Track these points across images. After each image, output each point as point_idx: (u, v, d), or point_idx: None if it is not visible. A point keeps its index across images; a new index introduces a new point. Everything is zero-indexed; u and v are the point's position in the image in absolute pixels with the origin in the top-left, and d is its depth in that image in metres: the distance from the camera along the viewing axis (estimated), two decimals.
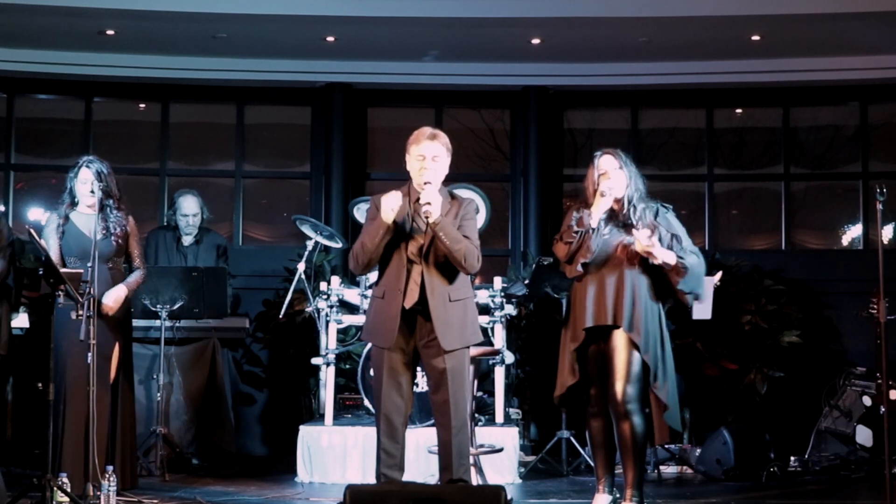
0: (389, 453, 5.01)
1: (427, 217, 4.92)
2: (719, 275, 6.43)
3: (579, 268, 5.31)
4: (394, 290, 5.00)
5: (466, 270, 5.05)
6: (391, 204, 4.93)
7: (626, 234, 5.34)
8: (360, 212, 7.46)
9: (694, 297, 5.41)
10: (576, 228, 5.31)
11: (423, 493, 4.49)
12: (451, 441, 4.98)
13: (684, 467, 7.50)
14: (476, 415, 6.15)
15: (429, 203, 4.91)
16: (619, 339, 5.29)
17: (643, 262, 5.32)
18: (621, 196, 5.37)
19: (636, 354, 5.27)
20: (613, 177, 5.35)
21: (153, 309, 7.10)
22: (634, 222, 5.33)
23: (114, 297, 6.11)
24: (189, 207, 7.89)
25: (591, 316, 5.32)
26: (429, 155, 5.06)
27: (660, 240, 5.30)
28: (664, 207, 5.46)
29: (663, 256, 5.26)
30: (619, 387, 5.25)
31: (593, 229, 5.29)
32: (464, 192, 6.62)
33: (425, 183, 4.98)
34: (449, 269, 5.01)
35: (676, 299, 5.44)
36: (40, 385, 7.43)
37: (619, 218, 5.37)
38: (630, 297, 5.29)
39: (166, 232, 7.99)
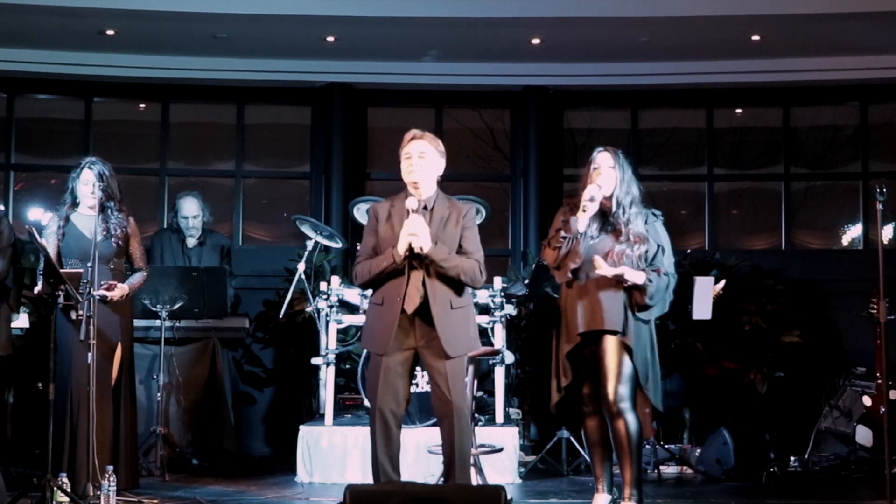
0: (386, 456, 4.99)
1: (419, 250, 4.89)
2: (722, 283, 6.42)
3: (569, 273, 5.30)
4: (392, 298, 4.99)
5: (471, 286, 5.06)
6: (407, 238, 4.89)
7: (613, 237, 5.32)
8: (359, 212, 7.44)
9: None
10: (563, 234, 5.29)
11: (423, 493, 4.47)
12: (454, 442, 4.98)
13: (684, 467, 7.50)
14: (476, 415, 6.14)
15: (415, 235, 4.89)
16: (611, 342, 5.27)
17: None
18: (609, 195, 5.35)
19: (628, 356, 5.27)
20: (605, 174, 5.34)
21: (153, 309, 7.10)
22: (622, 226, 5.31)
23: (117, 289, 6.11)
24: (189, 209, 7.91)
25: (583, 322, 5.30)
26: (415, 153, 5.04)
27: (646, 252, 5.29)
28: (654, 216, 5.43)
29: (633, 278, 5.24)
30: (610, 387, 5.24)
31: (581, 234, 5.27)
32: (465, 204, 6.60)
33: (412, 211, 4.93)
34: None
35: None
36: (40, 385, 7.45)
37: (607, 219, 5.35)
38: (621, 302, 5.28)
39: (171, 234, 8.01)
